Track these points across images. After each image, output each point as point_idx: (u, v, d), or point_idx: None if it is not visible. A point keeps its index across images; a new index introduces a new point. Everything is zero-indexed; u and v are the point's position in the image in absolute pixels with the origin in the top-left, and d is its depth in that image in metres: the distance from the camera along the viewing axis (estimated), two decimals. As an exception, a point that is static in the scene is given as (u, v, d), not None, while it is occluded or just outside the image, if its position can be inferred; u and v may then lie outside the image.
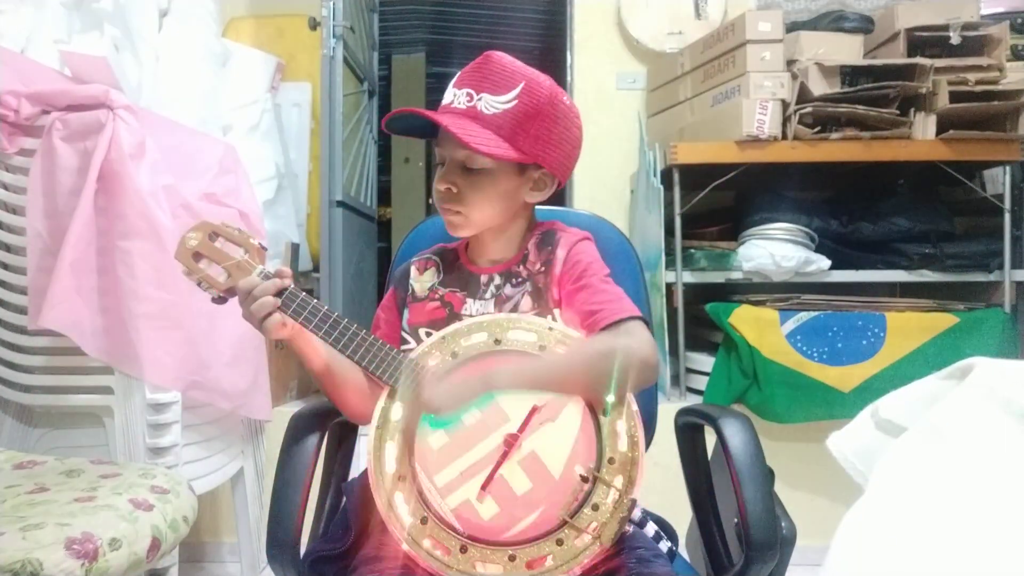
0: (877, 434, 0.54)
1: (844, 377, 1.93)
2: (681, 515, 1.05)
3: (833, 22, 2.17)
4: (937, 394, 0.52)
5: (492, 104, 0.93)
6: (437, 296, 1.02)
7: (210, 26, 2.26)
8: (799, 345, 1.95)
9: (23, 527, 0.94)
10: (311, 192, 2.59)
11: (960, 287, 2.13)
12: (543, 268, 0.99)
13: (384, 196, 4.09)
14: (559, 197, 1.09)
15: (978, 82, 1.95)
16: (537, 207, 1.06)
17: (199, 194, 1.63)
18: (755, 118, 1.98)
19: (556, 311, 0.97)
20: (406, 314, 1.03)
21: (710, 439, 1.04)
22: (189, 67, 2.10)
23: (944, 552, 0.42)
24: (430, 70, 4.50)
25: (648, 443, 1.12)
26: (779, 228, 2.08)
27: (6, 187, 1.46)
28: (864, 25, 2.15)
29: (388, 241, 3.97)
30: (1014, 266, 2.05)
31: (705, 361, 2.12)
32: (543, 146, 0.97)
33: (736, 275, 2.09)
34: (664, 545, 0.89)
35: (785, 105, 2.01)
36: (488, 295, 1.00)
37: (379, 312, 1.07)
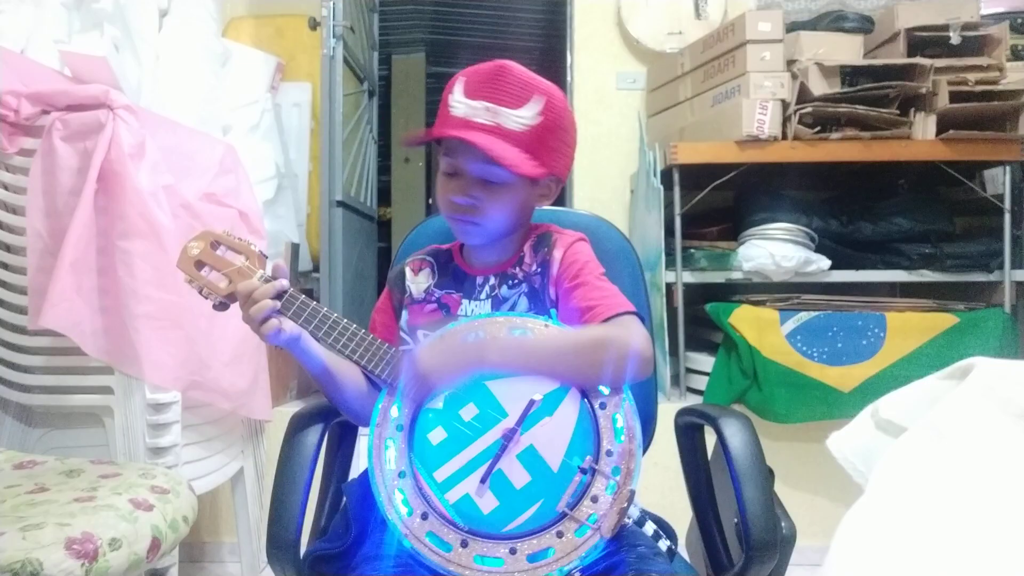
0: (877, 434, 0.54)
1: (844, 377, 1.93)
2: (681, 515, 1.05)
3: (833, 22, 2.17)
4: (937, 394, 0.52)
5: (515, 120, 0.93)
6: (434, 298, 1.02)
7: (210, 26, 2.26)
8: (799, 345, 1.95)
9: (23, 527, 0.94)
10: (311, 192, 2.59)
11: (960, 287, 2.13)
12: (539, 269, 1.00)
13: (384, 196, 4.09)
14: (559, 197, 1.09)
15: (978, 82, 1.95)
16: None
17: (199, 194, 1.63)
18: (755, 118, 1.98)
19: (553, 311, 0.97)
20: (405, 316, 1.03)
21: (710, 439, 1.04)
22: (189, 67, 2.10)
23: (944, 552, 0.42)
24: (430, 70, 4.50)
25: (648, 443, 1.12)
26: (779, 228, 2.08)
27: (6, 187, 1.46)
28: (864, 25, 2.15)
29: (388, 241, 3.97)
30: (1014, 266, 2.05)
31: (705, 361, 2.12)
32: (559, 157, 0.99)
33: (736, 275, 2.09)
34: (663, 544, 0.89)
35: (785, 105, 2.01)
36: (484, 296, 1.00)
37: (374, 315, 1.07)
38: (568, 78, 2.63)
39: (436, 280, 1.04)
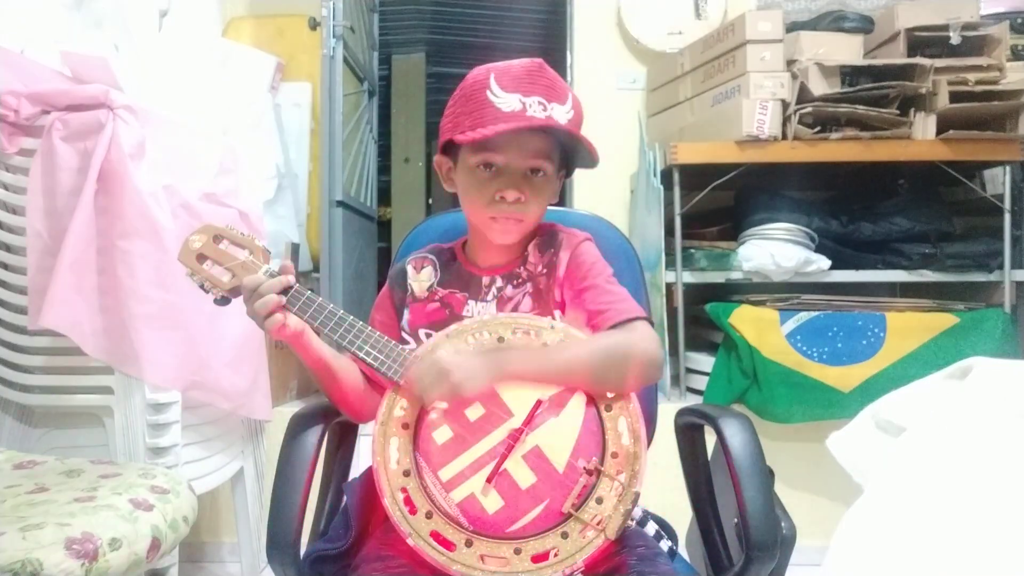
0: (877, 434, 0.54)
1: (844, 377, 1.93)
2: (681, 515, 1.05)
3: (833, 22, 2.17)
4: (937, 394, 0.52)
5: (563, 114, 0.94)
6: (437, 297, 1.02)
7: (210, 26, 2.26)
8: (799, 345, 1.95)
9: (23, 527, 0.94)
10: (311, 192, 2.59)
11: (960, 287, 2.13)
12: (545, 270, 1.00)
13: (384, 196, 4.09)
14: (559, 197, 1.10)
15: (978, 82, 1.95)
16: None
17: (199, 194, 1.63)
18: (755, 118, 1.98)
19: (557, 312, 0.97)
20: (406, 315, 1.03)
21: (710, 439, 1.04)
22: (189, 67, 2.10)
23: (944, 551, 0.42)
24: (430, 70, 4.51)
25: (648, 443, 1.12)
26: (779, 228, 2.08)
27: (6, 187, 1.46)
28: (864, 25, 2.15)
29: (388, 241, 3.98)
30: (1014, 266, 2.05)
31: (705, 361, 2.12)
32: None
33: (736, 275, 2.09)
34: (664, 544, 0.89)
35: (785, 105, 2.01)
36: (490, 297, 1.00)
37: (373, 312, 1.06)
38: (568, 78, 2.63)
39: (439, 279, 1.04)
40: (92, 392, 1.51)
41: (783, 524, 0.89)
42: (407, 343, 0.99)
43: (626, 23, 2.58)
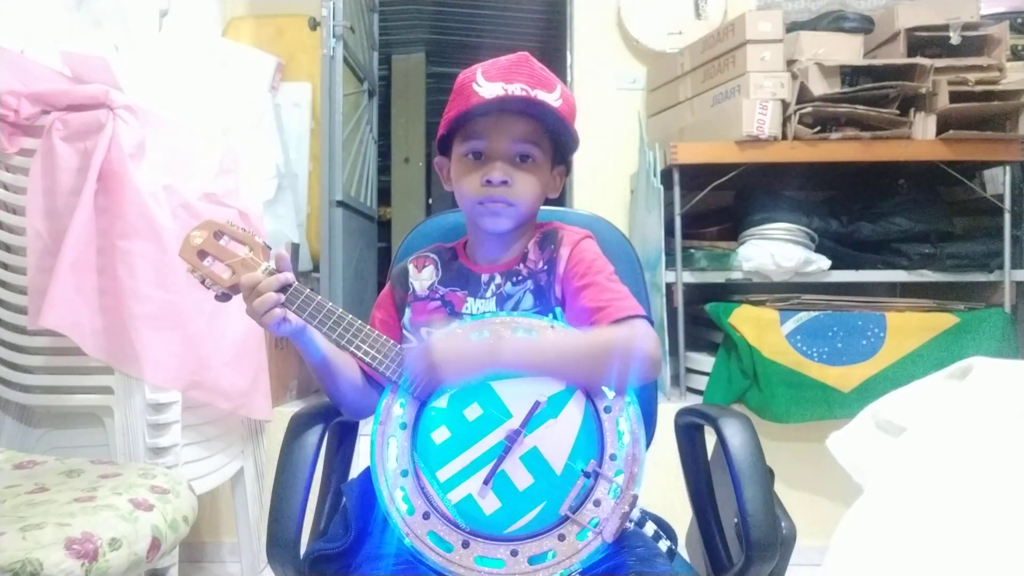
0: (877, 434, 0.54)
1: (844, 377, 1.93)
2: (681, 515, 1.05)
3: (833, 22, 2.17)
4: (937, 394, 0.52)
5: (547, 100, 0.95)
6: (438, 295, 1.02)
7: (210, 26, 2.26)
8: (799, 345, 1.95)
9: (23, 527, 0.94)
10: (311, 192, 2.59)
11: (960, 287, 2.13)
12: (545, 267, 1.00)
13: (384, 196, 4.09)
14: (559, 197, 1.10)
15: (978, 82, 1.95)
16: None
17: (199, 194, 1.63)
18: (755, 118, 1.98)
19: (558, 309, 0.97)
20: (408, 313, 1.03)
21: (710, 439, 1.04)
22: (189, 67, 2.10)
23: (944, 551, 0.42)
24: (430, 70, 4.51)
25: (648, 443, 1.12)
26: (779, 228, 2.08)
27: (6, 187, 1.46)
28: (864, 25, 2.15)
29: (388, 241, 3.97)
30: (1014, 266, 2.05)
31: (705, 361, 2.12)
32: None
33: (736, 275, 2.09)
34: (663, 544, 0.89)
35: (785, 105, 2.01)
36: (489, 294, 1.00)
37: (374, 311, 1.06)
38: (568, 78, 2.63)
39: (440, 277, 1.04)
40: (92, 392, 1.51)
41: (783, 524, 0.89)
42: (408, 342, 1.00)
43: (626, 23, 2.58)
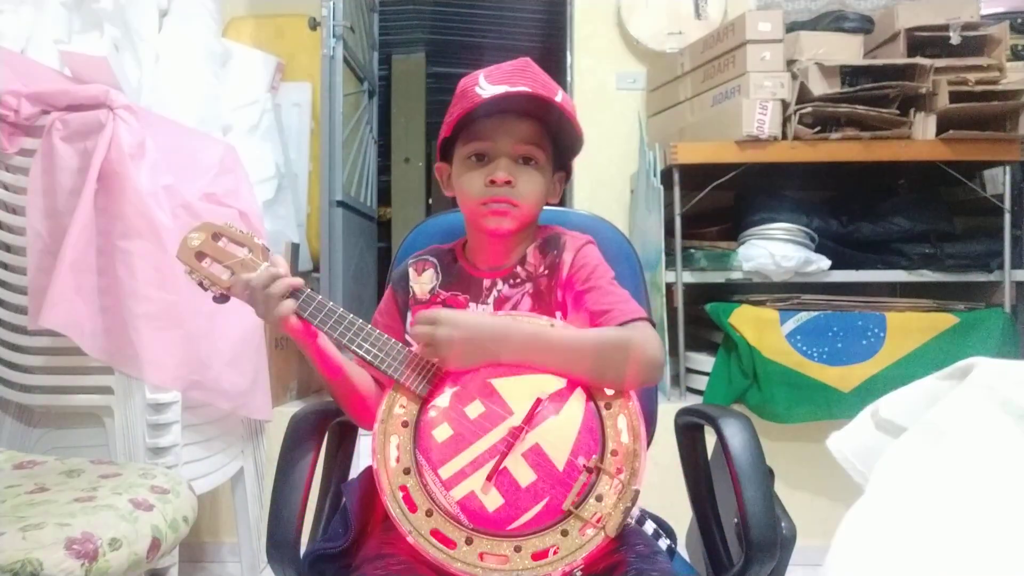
0: (877, 434, 0.54)
1: (844, 377, 1.93)
2: (681, 515, 1.05)
3: (833, 22, 2.17)
4: (937, 394, 0.52)
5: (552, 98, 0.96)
6: (439, 300, 1.02)
7: (210, 26, 2.26)
8: (799, 345, 1.95)
9: (23, 527, 0.94)
10: (311, 192, 2.59)
11: (960, 287, 2.13)
12: (547, 271, 1.00)
13: (384, 196, 4.09)
14: (559, 199, 1.10)
15: (978, 82, 1.95)
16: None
17: (199, 194, 1.63)
18: (755, 118, 1.98)
19: (558, 314, 0.97)
20: (410, 317, 1.03)
21: (710, 439, 1.04)
22: (189, 67, 2.10)
23: (944, 552, 0.42)
24: (430, 70, 4.50)
25: (648, 443, 1.12)
26: (779, 228, 2.08)
27: (6, 187, 1.46)
28: (864, 25, 2.15)
29: (388, 241, 3.98)
30: (1014, 266, 2.05)
31: (705, 361, 2.12)
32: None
33: (736, 275, 2.09)
34: (663, 543, 0.89)
35: (785, 105, 2.01)
36: (490, 300, 1.00)
37: (376, 316, 1.06)
38: (568, 78, 2.63)
39: (441, 281, 1.04)
40: (92, 392, 1.51)
41: (783, 524, 0.89)
42: (411, 346, 0.99)
43: (626, 23, 2.58)
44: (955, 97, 1.94)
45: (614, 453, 0.84)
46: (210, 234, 0.92)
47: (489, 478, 0.83)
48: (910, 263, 2.08)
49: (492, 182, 0.96)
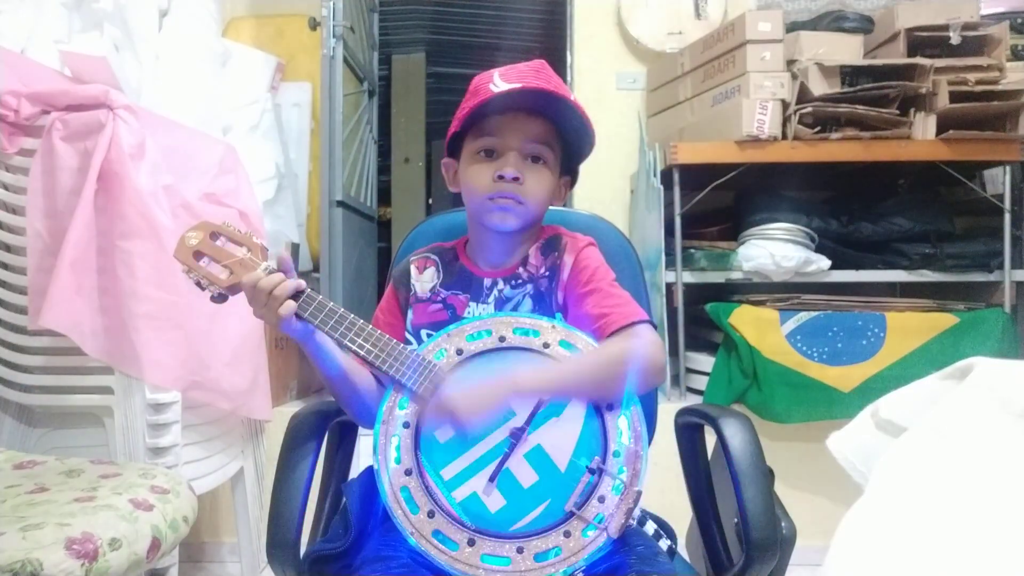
0: (877, 434, 0.54)
1: (844, 377, 1.93)
2: (681, 515, 1.05)
3: (833, 22, 2.17)
4: (937, 394, 0.52)
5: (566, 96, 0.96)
6: (439, 298, 1.02)
7: (210, 26, 2.25)
8: (799, 345, 1.95)
9: (23, 527, 0.94)
10: (311, 192, 2.59)
11: (960, 287, 2.13)
12: (548, 272, 1.00)
13: (384, 196, 4.09)
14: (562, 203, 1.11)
15: (978, 82, 1.95)
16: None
17: (199, 194, 1.63)
18: (755, 118, 1.98)
19: (558, 315, 0.97)
20: (410, 315, 1.03)
21: (710, 439, 1.04)
22: (189, 67, 2.10)
23: (944, 552, 0.42)
24: (430, 70, 4.50)
25: (649, 442, 1.12)
26: (779, 228, 2.08)
27: (6, 187, 1.46)
28: (864, 25, 2.15)
29: (388, 241, 3.97)
30: (1014, 266, 2.05)
31: (705, 361, 2.12)
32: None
33: (736, 275, 2.09)
34: (664, 544, 0.89)
35: (785, 105, 2.01)
36: (491, 299, 1.00)
37: (378, 314, 1.06)
38: (568, 78, 2.63)
39: (442, 279, 1.04)
40: (92, 392, 1.51)
41: (783, 524, 0.89)
42: (410, 343, 0.99)
43: (626, 23, 2.58)
44: (955, 97, 1.94)
45: (616, 455, 0.84)
46: (208, 233, 0.92)
47: (491, 479, 0.83)
48: (910, 263, 2.08)
49: (500, 177, 0.95)
